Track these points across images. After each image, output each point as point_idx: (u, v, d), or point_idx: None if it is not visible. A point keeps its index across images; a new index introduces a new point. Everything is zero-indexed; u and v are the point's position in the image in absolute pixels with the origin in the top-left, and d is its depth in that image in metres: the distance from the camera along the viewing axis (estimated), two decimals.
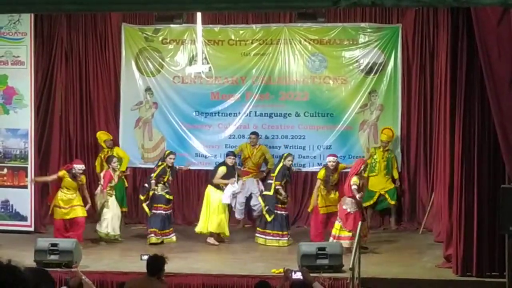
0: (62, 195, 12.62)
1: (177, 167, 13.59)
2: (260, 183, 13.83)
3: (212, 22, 14.38)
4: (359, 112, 14.45)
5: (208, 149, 14.80)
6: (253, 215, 13.90)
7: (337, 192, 12.90)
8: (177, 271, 10.74)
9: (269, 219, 12.99)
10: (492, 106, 10.15)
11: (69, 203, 12.59)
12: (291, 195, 13.90)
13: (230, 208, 13.38)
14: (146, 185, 13.37)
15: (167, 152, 13.54)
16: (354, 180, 12.18)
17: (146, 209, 13.15)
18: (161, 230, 12.98)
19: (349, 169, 12.77)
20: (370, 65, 14.35)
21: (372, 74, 14.36)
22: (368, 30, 14.41)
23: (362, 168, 12.41)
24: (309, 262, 10.82)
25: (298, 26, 14.36)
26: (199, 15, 12.62)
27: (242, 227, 14.30)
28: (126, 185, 14.28)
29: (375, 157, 14.03)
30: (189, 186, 14.87)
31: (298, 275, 7.55)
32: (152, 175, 13.21)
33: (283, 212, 13.09)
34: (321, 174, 12.94)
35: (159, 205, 13.06)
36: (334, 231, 12.27)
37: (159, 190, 13.08)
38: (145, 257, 8.39)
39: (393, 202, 14.03)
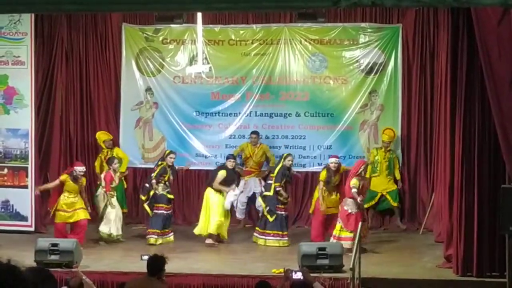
0: (65, 199, 12.59)
1: (177, 167, 13.60)
2: (263, 182, 13.81)
3: (212, 22, 14.37)
4: (360, 112, 14.45)
5: (208, 149, 14.80)
6: (259, 216, 13.81)
7: (338, 194, 12.88)
8: (177, 271, 10.73)
9: (271, 219, 12.97)
10: (492, 106, 10.15)
11: (72, 207, 12.58)
12: (291, 195, 13.88)
13: (231, 208, 13.36)
14: (147, 185, 13.37)
15: (167, 152, 13.55)
16: (354, 182, 12.15)
17: (148, 209, 13.15)
18: (161, 230, 12.99)
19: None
20: (370, 65, 14.34)
21: (373, 74, 14.35)
22: (369, 30, 14.40)
23: (362, 169, 12.39)
24: (309, 262, 10.82)
25: (298, 26, 14.36)
26: (199, 15, 12.61)
27: (242, 227, 14.29)
28: (125, 186, 14.27)
29: (376, 157, 14.00)
30: (189, 186, 14.86)
31: (298, 275, 7.56)
32: (152, 175, 13.21)
33: (283, 213, 13.09)
34: (323, 175, 12.91)
35: (161, 205, 13.06)
36: (335, 232, 12.26)
37: (160, 189, 13.07)
38: (145, 257, 8.40)
39: (395, 204, 13.99)
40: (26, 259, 10.24)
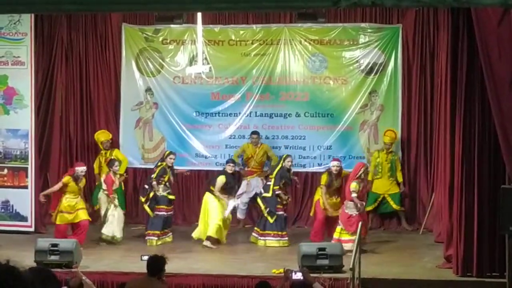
0: (67, 200, 12.57)
1: (176, 171, 13.58)
2: (265, 181, 13.78)
3: (212, 22, 14.37)
4: (360, 112, 14.44)
5: (208, 149, 14.79)
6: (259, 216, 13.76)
7: (338, 198, 12.87)
8: (177, 271, 10.73)
9: (271, 220, 12.95)
10: (492, 106, 10.15)
11: (74, 208, 12.58)
12: (291, 196, 13.86)
13: (233, 209, 13.32)
14: (146, 186, 13.36)
15: (167, 152, 13.54)
16: (354, 186, 12.14)
17: (148, 210, 13.13)
18: (161, 231, 12.99)
19: None
20: (370, 65, 14.34)
21: (373, 75, 14.35)
22: (369, 30, 14.40)
23: (362, 172, 12.37)
24: (309, 262, 10.82)
25: (298, 26, 14.35)
26: (199, 15, 12.60)
27: (242, 227, 14.28)
28: (123, 188, 14.20)
29: (378, 160, 13.96)
30: (189, 186, 14.86)
31: (298, 276, 7.55)
32: (152, 176, 13.20)
33: (283, 213, 13.08)
34: (324, 179, 12.87)
35: (161, 206, 13.05)
36: (335, 234, 12.27)
37: (161, 191, 13.06)
38: (145, 258, 8.40)
39: (397, 207, 13.94)
40: (26, 259, 10.28)
